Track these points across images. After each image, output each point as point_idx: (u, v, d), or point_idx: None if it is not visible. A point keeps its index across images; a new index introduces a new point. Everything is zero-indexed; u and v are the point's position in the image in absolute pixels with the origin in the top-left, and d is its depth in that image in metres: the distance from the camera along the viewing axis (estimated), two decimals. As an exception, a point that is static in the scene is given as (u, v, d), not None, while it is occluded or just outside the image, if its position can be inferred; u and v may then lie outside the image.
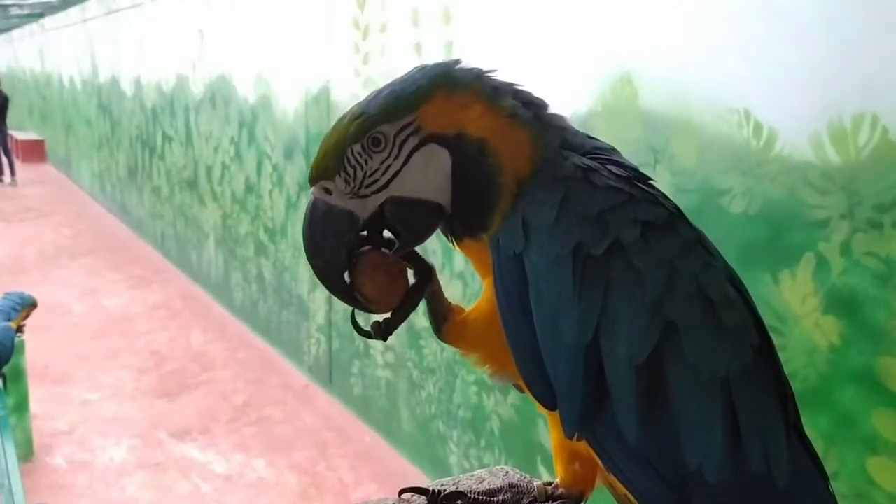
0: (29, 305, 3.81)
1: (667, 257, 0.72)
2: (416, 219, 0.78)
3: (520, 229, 0.73)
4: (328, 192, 0.77)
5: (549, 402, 0.75)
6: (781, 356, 0.78)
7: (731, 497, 0.69)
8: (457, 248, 0.82)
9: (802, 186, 1.76)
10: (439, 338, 0.86)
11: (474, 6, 2.93)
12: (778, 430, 0.72)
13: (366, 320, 0.86)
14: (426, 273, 0.84)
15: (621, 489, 0.75)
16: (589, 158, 0.76)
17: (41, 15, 13.16)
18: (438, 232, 0.82)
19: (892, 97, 1.60)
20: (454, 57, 3.12)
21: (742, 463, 0.69)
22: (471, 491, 0.88)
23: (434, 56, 3.09)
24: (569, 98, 2.40)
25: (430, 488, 0.88)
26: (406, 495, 0.89)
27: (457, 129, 0.75)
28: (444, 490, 0.88)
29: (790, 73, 1.80)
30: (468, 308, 0.85)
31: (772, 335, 0.78)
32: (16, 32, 16.87)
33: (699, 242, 0.76)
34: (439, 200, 0.77)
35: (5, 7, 12.32)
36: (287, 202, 4.69)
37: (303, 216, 0.79)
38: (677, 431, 0.69)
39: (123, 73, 8.56)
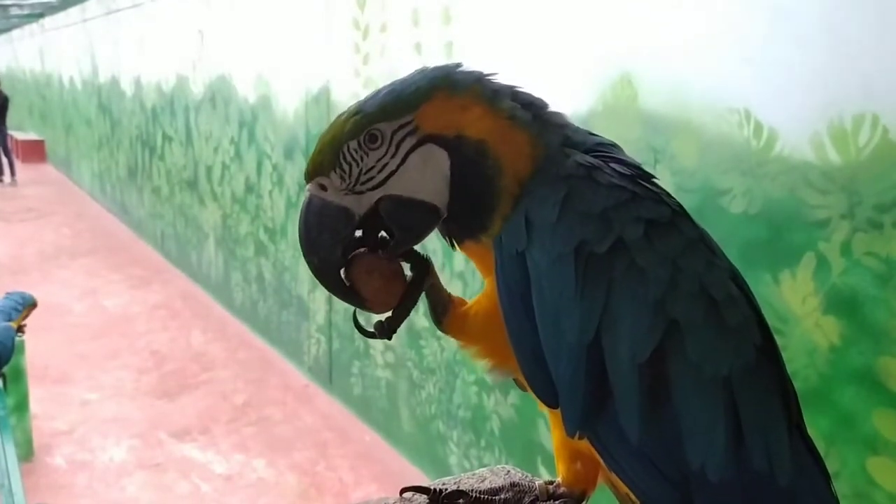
0: (29, 305, 3.81)
1: (670, 256, 0.72)
2: (411, 219, 0.78)
3: (522, 227, 0.73)
4: (323, 188, 0.77)
5: (551, 401, 0.75)
6: (782, 356, 0.78)
7: (734, 496, 0.69)
8: (458, 249, 0.82)
9: (803, 186, 1.76)
10: (440, 329, 0.86)
11: (474, 6, 2.93)
12: (780, 429, 0.72)
13: (367, 320, 0.86)
14: (423, 267, 0.84)
15: (623, 488, 0.75)
16: (591, 156, 0.76)
17: (41, 15, 13.16)
18: (439, 231, 0.82)
19: (892, 97, 1.60)
20: (454, 57, 3.14)
21: (744, 462, 0.69)
22: (472, 490, 0.88)
23: (434, 56, 3.09)
24: (569, 98, 2.40)
25: (432, 487, 0.88)
26: (407, 494, 0.89)
27: (456, 131, 0.75)
28: (446, 489, 0.88)
29: (790, 74, 1.80)
30: (471, 301, 0.85)
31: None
32: (16, 32, 16.87)
33: (702, 241, 0.76)
34: (436, 202, 0.77)
35: (5, 7, 12.32)
36: (287, 202, 4.69)
37: (299, 217, 0.79)
38: (679, 430, 0.69)
39: (123, 73, 8.56)
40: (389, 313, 0.83)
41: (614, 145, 0.81)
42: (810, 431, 0.77)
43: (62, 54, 12.04)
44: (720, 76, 1.98)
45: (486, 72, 0.79)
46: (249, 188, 5.25)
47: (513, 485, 0.89)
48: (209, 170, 6.05)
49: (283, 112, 4.65)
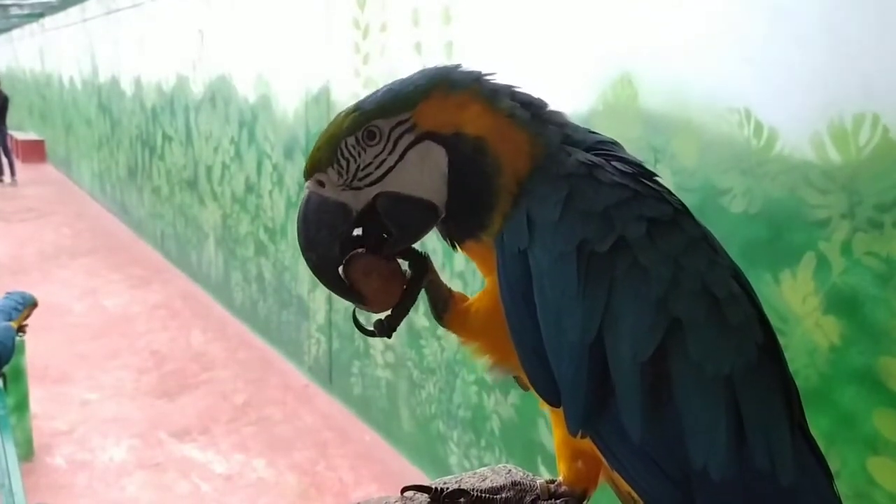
0: (30, 305, 3.81)
1: (672, 254, 0.72)
2: (408, 216, 0.78)
3: (524, 226, 0.73)
4: (321, 185, 0.77)
5: (553, 400, 0.75)
6: (784, 355, 0.78)
7: (735, 495, 0.69)
8: (459, 250, 0.82)
9: (803, 186, 1.76)
10: (441, 325, 0.86)
11: (474, 6, 2.93)
12: (782, 428, 0.72)
13: (367, 318, 0.86)
14: (421, 265, 0.84)
15: (625, 487, 0.75)
16: (593, 154, 0.76)
17: (41, 15, 13.15)
18: (439, 233, 0.82)
19: (892, 97, 1.60)
20: (454, 57, 3.15)
21: (746, 461, 0.69)
22: (473, 489, 0.88)
23: (434, 56, 3.09)
24: (569, 98, 2.40)
25: (433, 486, 0.88)
26: (408, 493, 0.89)
27: (454, 129, 0.76)
28: (447, 488, 0.88)
29: (791, 73, 1.80)
30: (472, 298, 0.85)
31: (773, 334, 0.78)
32: (16, 32, 16.86)
33: (704, 240, 0.76)
34: (434, 200, 0.77)
35: (5, 7, 12.32)
36: (287, 202, 4.69)
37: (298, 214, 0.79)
38: (681, 429, 0.69)
39: (123, 72, 8.56)
40: (389, 312, 0.83)
41: (615, 143, 0.81)
42: (811, 431, 0.77)
43: (62, 54, 12.04)
44: (720, 76, 1.98)
45: (484, 72, 0.80)
46: (249, 188, 5.25)
47: (514, 484, 0.89)
48: (209, 169, 6.05)
49: (283, 112, 4.65)
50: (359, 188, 0.77)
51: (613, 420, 0.71)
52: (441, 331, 1.14)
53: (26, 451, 3.88)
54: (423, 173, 0.76)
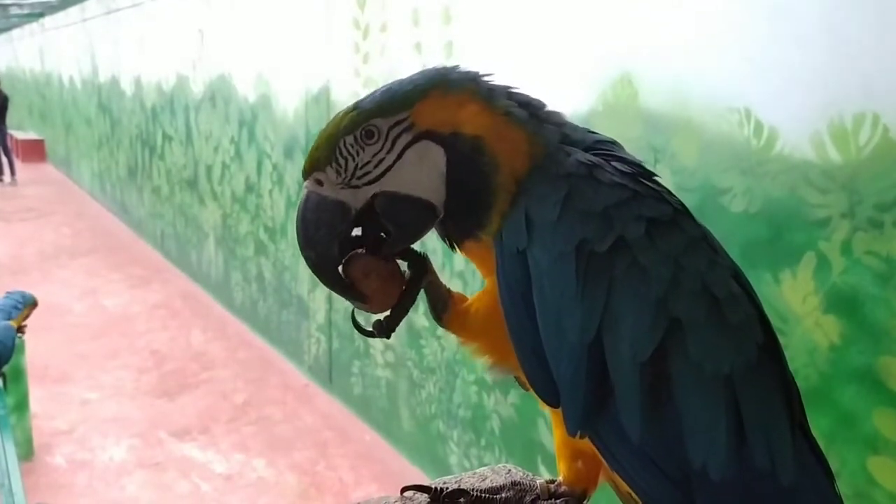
0: (30, 305, 3.80)
1: (671, 254, 0.72)
2: (406, 216, 0.78)
3: (523, 226, 0.73)
4: (320, 183, 0.77)
5: (551, 399, 0.75)
6: (785, 354, 0.78)
7: (735, 495, 0.69)
8: (459, 251, 0.82)
9: (803, 185, 1.76)
10: (440, 325, 0.86)
11: (474, 6, 2.93)
12: (782, 427, 0.71)
13: (366, 319, 0.86)
14: (420, 265, 0.84)
15: (625, 487, 0.75)
16: (592, 154, 0.76)
17: (41, 14, 13.15)
18: (437, 234, 0.82)
19: (892, 96, 1.60)
20: (454, 57, 3.14)
21: (746, 461, 0.69)
22: (473, 489, 0.88)
23: (434, 56, 3.09)
24: (569, 97, 2.40)
25: (433, 486, 0.88)
26: (408, 493, 0.89)
27: (452, 128, 0.76)
28: (447, 488, 0.88)
29: (791, 73, 1.80)
30: (472, 298, 0.85)
31: (773, 334, 0.78)
32: (16, 32, 16.86)
33: (704, 239, 0.76)
34: (432, 199, 0.77)
35: (5, 6, 12.32)
36: (287, 201, 4.69)
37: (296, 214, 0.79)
38: (681, 429, 0.69)
39: (123, 72, 8.55)
40: (388, 312, 0.83)
41: (614, 143, 0.81)
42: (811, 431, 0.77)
43: (62, 54, 12.04)
44: (720, 75, 1.98)
45: (482, 72, 0.80)
46: (249, 187, 5.25)
47: (514, 483, 0.89)
48: (209, 169, 6.05)
49: (283, 111, 4.65)
50: (357, 187, 0.77)
51: (613, 420, 0.71)
52: (441, 331, 1.15)
53: (26, 451, 3.88)
54: (422, 172, 0.76)
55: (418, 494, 0.88)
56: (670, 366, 0.69)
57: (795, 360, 1.77)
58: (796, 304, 1.79)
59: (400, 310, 0.83)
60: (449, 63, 0.82)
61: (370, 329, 0.85)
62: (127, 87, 8.43)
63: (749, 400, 0.70)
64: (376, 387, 3.91)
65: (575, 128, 0.81)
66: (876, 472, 1.66)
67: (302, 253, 0.79)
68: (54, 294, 6.18)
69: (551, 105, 0.81)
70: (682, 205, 0.77)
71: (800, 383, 0.77)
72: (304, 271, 4.60)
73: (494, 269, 0.76)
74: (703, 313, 0.71)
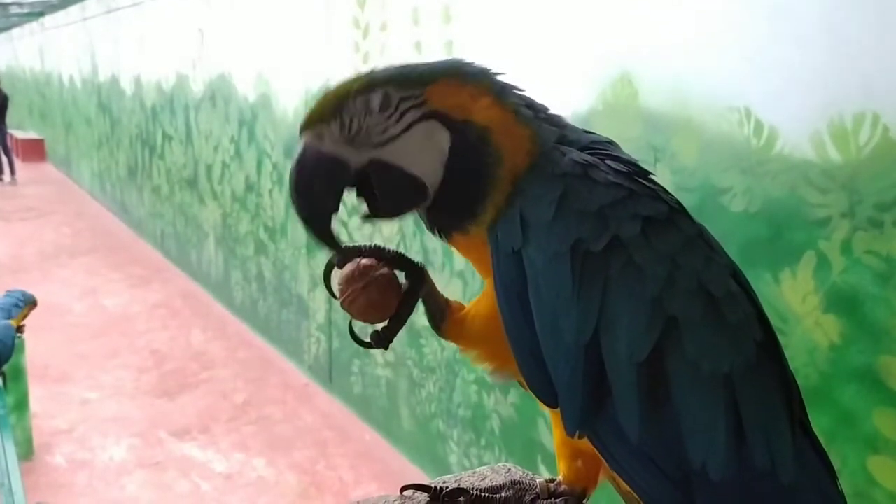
0: (30, 304, 3.81)
1: (667, 253, 0.71)
2: (396, 189, 0.77)
3: (518, 226, 0.73)
4: (320, 138, 0.76)
5: (550, 400, 0.74)
6: (784, 353, 0.78)
7: (735, 494, 0.69)
8: (447, 243, 0.81)
9: (803, 185, 1.76)
10: (439, 335, 0.85)
11: (474, 5, 2.93)
12: (782, 426, 0.71)
13: (363, 329, 0.86)
14: (418, 276, 0.84)
15: (625, 486, 0.75)
16: (588, 153, 0.76)
17: (41, 14, 13.15)
18: (423, 222, 0.82)
19: (892, 96, 1.60)
20: (454, 56, 3.12)
21: (746, 460, 0.69)
22: (473, 488, 0.88)
23: (434, 55, 3.09)
24: (569, 97, 2.40)
25: (433, 485, 0.88)
26: (408, 492, 0.89)
27: (463, 115, 0.76)
28: (447, 487, 0.88)
29: (791, 72, 1.80)
30: (469, 305, 0.85)
31: (773, 333, 0.78)
32: (16, 31, 16.86)
33: (701, 237, 0.76)
34: (426, 180, 0.76)
35: (5, 6, 12.31)
36: (287, 201, 4.68)
37: (291, 168, 0.78)
38: (680, 429, 0.69)
39: (123, 71, 8.55)
40: (385, 323, 0.84)
41: (610, 142, 0.81)
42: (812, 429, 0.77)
43: (62, 53, 12.03)
44: (720, 75, 1.98)
45: (495, 70, 0.80)
46: (249, 187, 5.25)
47: (513, 483, 0.89)
48: (209, 168, 6.05)
49: (283, 111, 4.65)
50: (357, 146, 0.76)
51: (611, 420, 0.71)
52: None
53: (26, 450, 3.88)
54: (423, 151, 0.76)
55: (418, 493, 0.88)
56: (668, 365, 0.69)
57: (795, 359, 1.77)
58: (796, 303, 1.79)
59: (397, 320, 0.83)
60: None
61: (367, 340, 0.85)
62: (127, 86, 8.43)
63: (748, 399, 0.70)
64: (376, 386, 3.91)
65: (573, 129, 0.81)
66: (876, 471, 1.66)
67: (294, 206, 0.78)
68: (54, 293, 6.18)
69: (552, 104, 0.82)
70: (679, 203, 0.77)
71: (800, 383, 0.77)
72: (304, 271, 4.61)
73: (490, 266, 0.76)
74: (699, 312, 0.71)
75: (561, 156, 0.75)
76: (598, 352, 0.70)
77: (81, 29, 10.36)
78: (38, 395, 4.32)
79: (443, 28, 3.05)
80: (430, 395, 3.44)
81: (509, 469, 0.95)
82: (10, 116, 13.32)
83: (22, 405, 3.95)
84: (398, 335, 0.84)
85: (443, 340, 0.88)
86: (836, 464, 0.77)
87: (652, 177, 0.78)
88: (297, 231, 4.61)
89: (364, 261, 0.82)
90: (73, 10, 10.73)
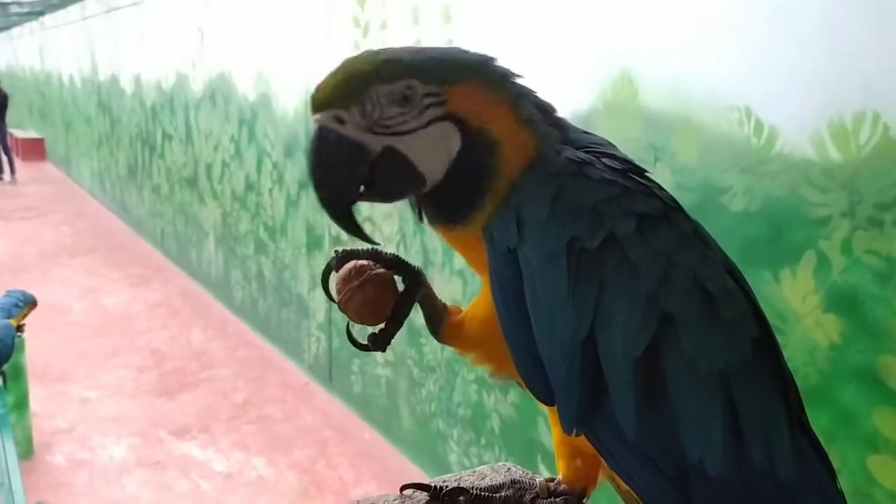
0: (30, 304, 3.81)
1: (663, 250, 0.71)
2: (398, 179, 0.77)
3: (513, 225, 0.73)
4: (341, 122, 0.74)
5: (547, 399, 0.74)
6: (781, 350, 0.78)
7: (733, 491, 0.69)
8: (438, 232, 0.81)
9: (803, 184, 1.76)
10: (437, 340, 0.86)
11: (474, 4, 2.93)
12: (780, 423, 0.71)
13: (361, 332, 0.86)
14: (414, 278, 0.84)
15: (624, 485, 0.75)
16: (583, 152, 0.76)
17: (41, 13, 13.14)
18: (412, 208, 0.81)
19: (893, 95, 1.60)
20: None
21: (743, 456, 0.69)
22: (473, 487, 0.88)
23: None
24: (569, 96, 2.40)
25: (432, 485, 0.88)
26: (408, 492, 0.89)
27: (480, 123, 0.75)
28: (446, 486, 0.88)
29: (791, 72, 1.80)
30: (466, 308, 0.86)
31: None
32: (15, 30, 16.85)
33: (696, 234, 0.75)
34: (427, 177, 0.76)
35: (5, 5, 12.31)
36: (287, 200, 4.68)
37: (310, 149, 0.76)
38: (677, 426, 0.69)
39: (123, 71, 8.55)
40: (382, 325, 0.84)
41: (608, 143, 0.81)
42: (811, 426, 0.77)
43: (62, 52, 12.03)
44: (721, 74, 1.98)
45: (516, 73, 0.79)
46: (249, 186, 5.25)
47: (513, 482, 0.89)
48: (209, 168, 6.05)
49: (283, 110, 4.65)
50: (377, 134, 0.75)
51: (608, 418, 0.71)
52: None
53: (26, 450, 3.89)
54: (434, 150, 0.75)
55: (418, 493, 0.88)
56: (664, 362, 0.69)
57: (795, 358, 1.77)
58: (796, 302, 1.79)
59: (394, 322, 0.83)
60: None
61: (365, 343, 0.85)
62: (127, 85, 8.43)
63: (745, 395, 0.70)
64: (376, 385, 3.91)
65: (575, 130, 0.81)
66: (876, 470, 1.66)
67: (316, 189, 0.77)
68: (54, 293, 6.19)
69: (552, 104, 0.81)
70: (674, 200, 0.77)
71: (800, 382, 0.77)
72: (303, 270, 4.61)
73: (486, 264, 0.76)
74: (695, 309, 0.71)
75: (556, 155, 0.75)
76: (594, 349, 0.70)
77: (81, 28, 10.36)
78: (38, 395, 4.32)
79: (443, 27, 3.05)
80: (430, 394, 3.44)
81: (509, 468, 0.95)
82: (10, 116, 13.32)
83: (22, 404, 3.95)
84: (398, 336, 0.84)
85: (442, 340, 0.88)
86: (836, 463, 0.77)
87: (647, 174, 0.78)
88: (297, 230, 4.61)
89: (361, 261, 0.83)
90: (72, 9, 10.73)
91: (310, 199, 4.39)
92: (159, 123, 7.34)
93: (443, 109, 0.75)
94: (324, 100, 0.75)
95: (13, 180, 12.61)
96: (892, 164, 1.59)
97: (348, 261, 0.84)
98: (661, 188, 0.77)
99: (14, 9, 12.73)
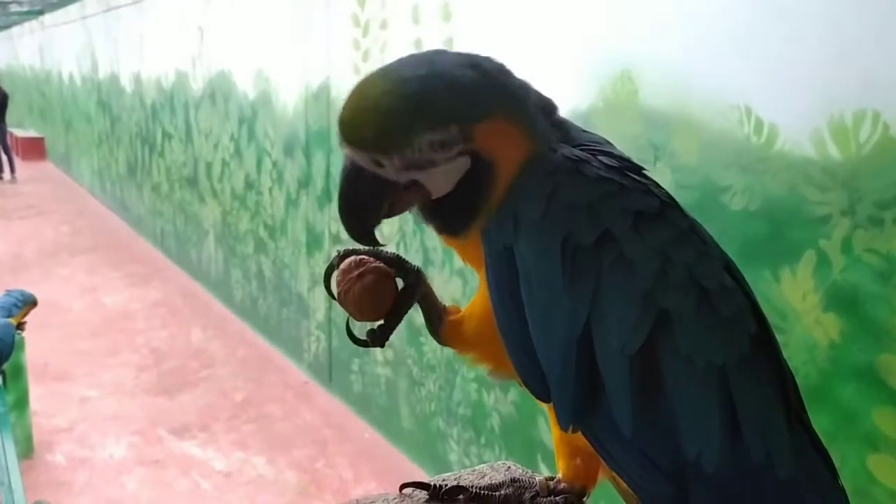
0: (29, 304, 3.80)
1: (659, 247, 0.71)
2: (413, 202, 0.77)
3: (510, 223, 0.73)
4: (379, 165, 0.74)
5: (544, 396, 0.74)
6: (780, 346, 0.78)
7: (731, 488, 0.69)
8: (440, 238, 0.81)
9: (803, 183, 1.76)
10: (437, 341, 0.86)
11: (474, 3, 2.92)
12: (778, 419, 0.71)
13: (360, 330, 0.86)
14: (414, 277, 0.84)
15: (624, 484, 0.75)
16: (580, 149, 0.75)
17: (41, 12, 13.15)
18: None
19: (893, 94, 1.60)
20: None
21: (740, 453, 0.69)
22: (472, 485, 0.87)
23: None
24: (569, 94, 2.40)
25: (432, 483, 0.88)
26: (407, 490, 0.89)
27: (491, 155, 0.74)
28: (446, 485, 0.88)
29: (791, 70, 1.80)
30: (465, 308, 0.86)
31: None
32: (15, 29, 16.85)
33: (693, 231, 0.75)
34: (433, 195, 0.76)
35: (5, 4, 12.31)
36: (287, 199, 4.68)
37: (340, 181, 0.76)
38: (673, 422, 0.69)
39: (123, 69, 8.55)
40: (382, 322, 0.84)
41: (605, 141, 0.80)
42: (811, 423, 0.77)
43: (62, 51, 12.03)
44: (721, 73, 1.98)
45: (529, 85, 0.78)
46: (249, 185, 5.25)
47: (513, 480, 0.89)
48: (209, 166, 6.05)
49: (283, 108, 4.65)
50: (407, 170, 0.74)
51: (604, 415, 0.70)
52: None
53: (26, 449, 3.89)
54: (448, 177, 0.74)
55: (417, 492, 0.88)
56: (660, 359, 0.69)
57: (795, 357, 1.77)
58: (796, 301, 1.79)
59: (394, 317, 0.84)
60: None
61: (364, 339, 0.85)
62: (127, 84, 8.43)
63: (743, 392, 0.69)
64: (376, 384, 3.91)
65: (575, 128, 0.81)
66: (876, 469, 1.66)
67: (345, 218, 0.78)
68: (54, 292, 6.19)
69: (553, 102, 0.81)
70: (671, 197, 0.77)
71: (800, 381, 0.77)
72: (303, 269, 4.61)
73: (482, 262, 0.77)
74: (692, 305, 0.70)
75: (553, 153, 0.75)
76: (590, 346, 0.70)
77: (81, 27, 10.36)
78: (37, 394, 4.32)
79: (442, 26, 3.05)
80: (429, 393, 3.44)
81: (509, 467, 0.95)
82: (10, 115, 13.31)
83: (22, 403, 3.95)
84: (397, 335, 0.85)
85: (442, 339, 0.88)
86: (836, 462, 0.76)
87: (644, 171, 0.78)
88: (297, 229, 4.61)
89: (361, 256, 0.83)
90: (72, 8, 10.73)
91: (309, 198, 4.39)
92: (159, 122, 7.34)
93: (470, 146, 0.73)
94: (364, 141, 0.73)
95: (13, 179, 12.61)
96: (893, 162, 1.59)
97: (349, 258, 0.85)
98: (657, 186, 0.77)
99: (14, 7, 12.74)
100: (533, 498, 0.85)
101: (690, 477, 0.69)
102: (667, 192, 0.77)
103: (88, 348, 5.43)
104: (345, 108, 0.74)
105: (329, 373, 4.42)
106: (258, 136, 5.02)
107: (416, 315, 0.87)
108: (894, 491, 1.64)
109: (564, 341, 0.70)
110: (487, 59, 0.77)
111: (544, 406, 0.77)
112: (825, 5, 1.73)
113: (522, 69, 0.80)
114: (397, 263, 0.85)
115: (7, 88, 13.28)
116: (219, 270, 6.09)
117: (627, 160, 0.77)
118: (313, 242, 4.42)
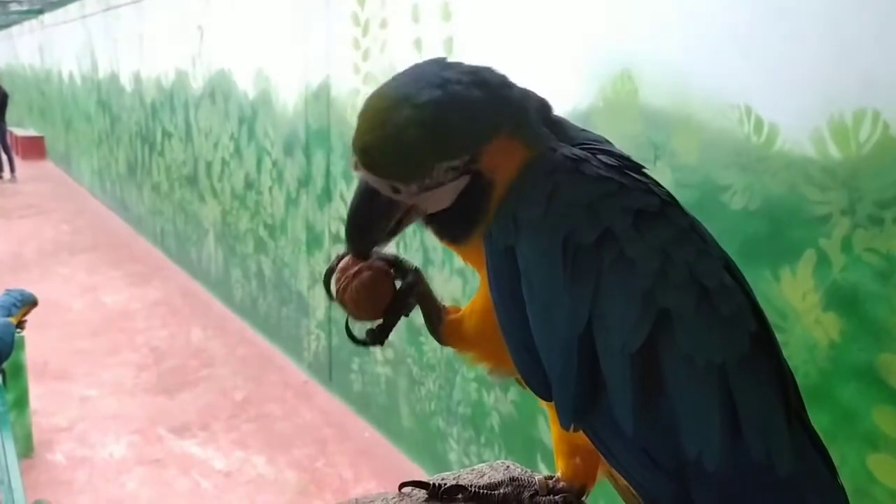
0: (29, 304, 3.80)
1: (659, 245, 0.71)
2: (415, 219, 0.80)
3: (510, 223, 0.73)
4: (396, 191, 0.75)
5: (545, 394, 0.74)
6: (779, 345, 0.78)
7: (731, 486, 0.69)
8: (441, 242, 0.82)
9: (803, 182, 1.76)
10: (437, 340, 0.86)
11: (474, 2, 2.92)
12: (778, 418, 0.71)
13: (360, 332, 0.86)
14: (412, 275, 0.85)
15: (623, 482, 0.75)
16: (579, 149, 0.76)
17: (41, 11, 13.14)
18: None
19: (893, 93, 1.60)
20: (454, 54, 3.13)
21: (741, 451, 0.69)
22: (471, 485, 0.88)
23: (434, 52, 3.08)
24: (569, 93, 2.40)
25: (431, 482, 0.88)
26: (406, 489, 0.89)
27: (492, 173, 0.74)
28: (445, 484, 0.88)
29: (791, 69, 1.80)
30: (464, 307, 0.86)
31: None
32: (15, 29, 16.85)
33: (693, 230, 0.75)
34: (434, 210, 0.77)
35: (5, 3, 12.31)
36: (287, 198, 4.68)
37: (353, 202, 0.78)
38: (674, 421, 0.69)
39: (123, 69, 8.55)
40: (380, 321, 0.84)
41: (604, 140, 0.80)
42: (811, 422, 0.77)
43: (62, 50, 12.03)
44: (721, 72, 1.98)
45: (533, 95, 0.78)
46: (249, 184, 5.25)
47: (512, 479, 0.89)
48: (209, 166, 6.05)
49: (283, 108, 4.65)
50: (419, 194, 0.75)
51: (605, 413, 0.71)
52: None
53: (26, 448, 3.88)
54: (448, 195, 0.75)
55: (416, 491, 0.88)
56: (661, 357, 0.69)
57: (795, 357, 1.77)
58: (796, 301, 1.79)
59: (392, 316, 0.84)
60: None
61: (363, 338, 0.85)
62: (126, 83, 8.42)
63: (743, 390, 0.70)
64: (376, 384, 3.91)
65: (571, 127, 0.81)
66: (876, 469, 1.66)
67: (350, 235, 0.80)
68: (54, 291, 6.18)
69: (552, 102, 0.81)
70: (671, 196, 0.77)
71: (800, 380, 0.77)
72: (303, 268, 4.61)
73: (482, 261, 0.77)
74: (692, 304, 0.70)
75: (552, 153, 0.75)
76: (591, 344, 0.70)
77: (81, 26, 10.35)
78: (37, 393, 4.32)
79: (442, 25, 3.05)
80: (429, 392, 3.44)
81: (508, 466, 0.95)
82: (10, 114, 13.31)
83: (22, 402, 3.95)
84: (397, 334, 0.85)
85: (442, 338, 0.88)
86: (836, 461, 0.76)
87: (644, 170, 0.78)
88: (297, 228, 4.61)
89: None
90: (72, 7, 10.72)
91: (309, 197, 4.39)
92: (159, 121, 7.33)
93: (476, 167, 0.74)
94: (385, 171, 0.74)
95: (13, 178, 12.61)
96: (893, 161, 1.59)
97: None
98: (657, 184, 0.77)
99: (14, 6, 12.73)
100: (532, 497, 0.85)
101: (691, 475, 0.69)
102: (667, 191, 0.77)
103: (88, 347, 5.43)
104: (362, 132, 0.73)
105: (329, 372, 4.42)
106: (258, 136, 5.02)
107: (416, 315, 0.87)
108: (894, 490, 1.64)
109: (565, 340, 0.70)
110: (490, 70, 0.76)
111: (545, 405, 0.77)
112: (825, 5, 1.73)
113: (522, 69, 0.80)
114: (395, 263, 0.85)
115: (7, 87, 13.28)
116: (219, 270, 6.09)
117: (627, 159, 0.77)
118: (313, 241, 4.42)
